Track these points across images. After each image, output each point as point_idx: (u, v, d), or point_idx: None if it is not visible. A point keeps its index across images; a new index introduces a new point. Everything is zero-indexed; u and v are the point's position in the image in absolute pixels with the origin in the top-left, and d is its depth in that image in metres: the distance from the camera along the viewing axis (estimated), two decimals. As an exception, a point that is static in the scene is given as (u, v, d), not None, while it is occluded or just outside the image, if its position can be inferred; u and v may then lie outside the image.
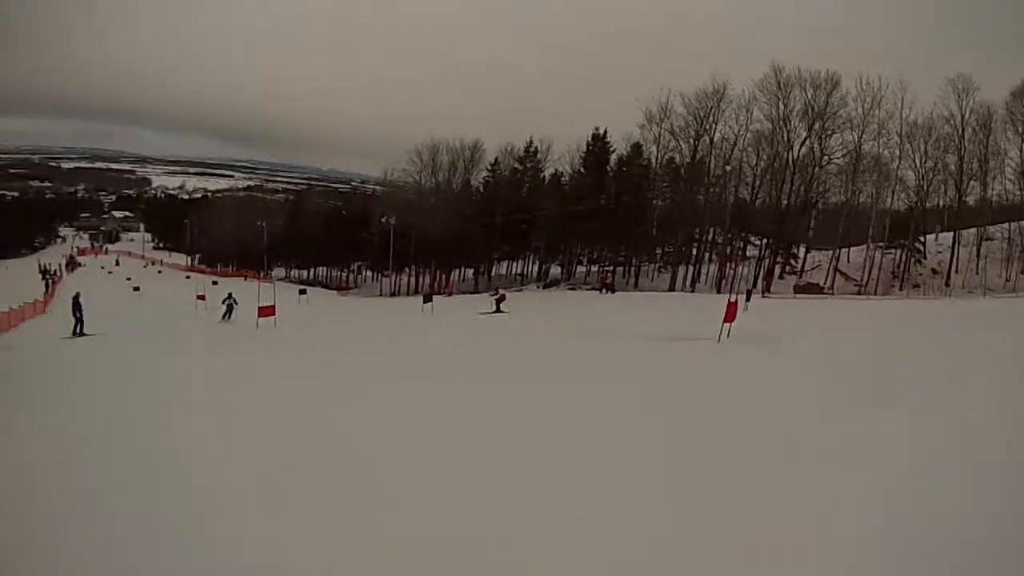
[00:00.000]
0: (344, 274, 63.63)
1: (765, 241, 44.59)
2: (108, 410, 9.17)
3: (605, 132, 50.60)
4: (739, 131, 45.39)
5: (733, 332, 13.91)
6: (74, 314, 20.58)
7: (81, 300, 21.03)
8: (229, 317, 26.21)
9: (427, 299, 31.29)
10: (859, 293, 38.46)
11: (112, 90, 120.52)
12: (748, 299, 25.30)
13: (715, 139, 46.22)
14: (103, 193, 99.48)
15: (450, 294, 47.82)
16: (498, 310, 27.34)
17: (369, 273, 61.14)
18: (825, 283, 40.38)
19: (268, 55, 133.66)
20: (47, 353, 16.74)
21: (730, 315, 14.12)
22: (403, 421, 7.52)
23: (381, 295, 54.01)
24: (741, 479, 5.05)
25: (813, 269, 42.78)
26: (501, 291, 29.52)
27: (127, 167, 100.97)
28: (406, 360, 14.15)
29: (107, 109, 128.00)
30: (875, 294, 38.00)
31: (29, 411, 9.24)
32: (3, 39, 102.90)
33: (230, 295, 27.89)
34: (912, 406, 7.39)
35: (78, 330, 20.35)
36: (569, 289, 47.03)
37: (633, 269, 48.79)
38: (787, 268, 43.67)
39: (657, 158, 48.56)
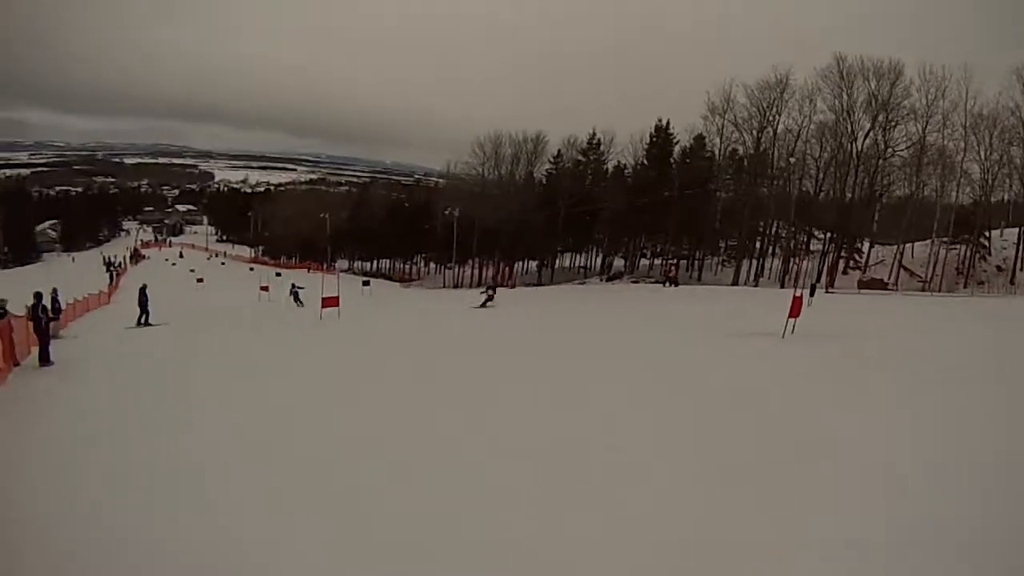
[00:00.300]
0: (407, 266, 65.57)
1: (829, 235, 45.33)
2: (167, 393, 10.22)
3: (668, 123, 51.60)
4: (802, 122, 45.91)
5: (798, 328, 14.00)
6: (140, 304, 21.47)
7: (148, 292, 21.88)
8: (300, 303, 28.78)
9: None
10: (923, 290, 39.12)
11: (174, 88, 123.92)
12: (812, 294, 25.32)
13: (778, 130, 46.75)
14: (166, 187, 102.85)
15: (513, 286, 48.60)
16: (486, 303, 28.04)
17: (432, 265, 63.21)
18: (889, 279, 41.05)
19: (331, 51, 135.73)
20: (113, 342, 17.62)
21: (795, 310, 14.14)
22: (446, 420, 8.08)
23: (444, 287, 55.75)
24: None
25: (877, 264, 43.61)
26: (491, 291, 31.69)
27: (190, 162, 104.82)
28: (465, 353, 14.66)
29: (169, 106, 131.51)
30: (939, 291, 38.68)
31: (90, 396, 10.29)
32: (64, 41, 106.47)
33: (293, 285, 30.59)
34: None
35: (143, 320, 21.25)
36: (632, 282, 48.46)
37: (696, 263, 50.17)
38: (851, 263, 44.59)
39: (720, 150, 49.48)
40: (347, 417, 8.58)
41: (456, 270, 57.90)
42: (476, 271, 57.51)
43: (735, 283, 44.65)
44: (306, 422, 8.34)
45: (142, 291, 21.82)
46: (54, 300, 16.72)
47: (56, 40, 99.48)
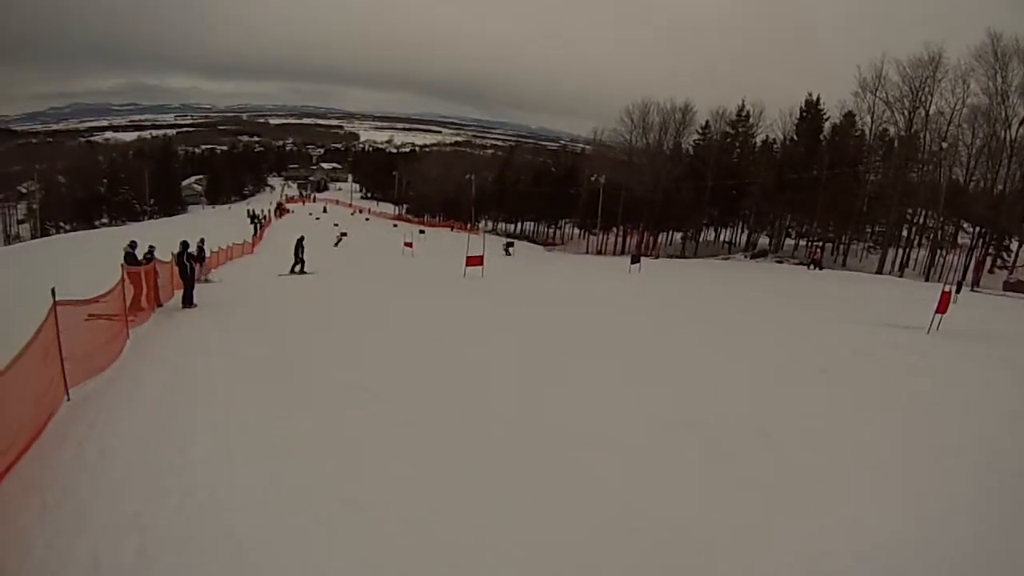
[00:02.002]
0: (551, 230, 72.96)
1: (977, 229, 48.37)
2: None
3: (818, 99, 56.97)
4: (955, 104, 48.67)
5: (944, 325, 14.59)
6: (296, 254, 24.59)
7: (304, 243, 24.85)
8: (337, 243, 42.24)
9: (634, 260, 36.06)
10: (1068, 301, 40.70)
11: (321, 51, 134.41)
12: (959, 291, 26.20)
13: (930, 112, 49.88)
14: (311, 146, 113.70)
15: (657, 256, 55.67)
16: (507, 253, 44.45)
17: (576, 230, 70.33)
18: (1035, 284, 42.08)
19: (478, 16, 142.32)
20: (252, 288, 19.94)
21: (943, 306, 14.65)
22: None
23: (587, 253, 63.24)
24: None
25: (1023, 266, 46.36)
26: (511, 247, 47.79)
27: (335, 123, 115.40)
28: (608, 325, 15.35)
29: (316, 70, 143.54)
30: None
31: (213, 334, 12.16)
32: (215, 10, 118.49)
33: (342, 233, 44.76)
34: None
35: (299, 269, 24.32)
36: (776, 261, 53.62)
37: (842, 247, 55.28)
38: (998, 262, 47.24)
39: (871, 129, 53.95)
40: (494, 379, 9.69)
41: (600, 236, 65.41)
42: (620, 239, 64.84)
43: (879, 271, 48.43)
44: (420, 366, 10.02)
45: (299, 242, 25.06)
46: (199, 248, 19.33)
47: (202, 13, 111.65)
